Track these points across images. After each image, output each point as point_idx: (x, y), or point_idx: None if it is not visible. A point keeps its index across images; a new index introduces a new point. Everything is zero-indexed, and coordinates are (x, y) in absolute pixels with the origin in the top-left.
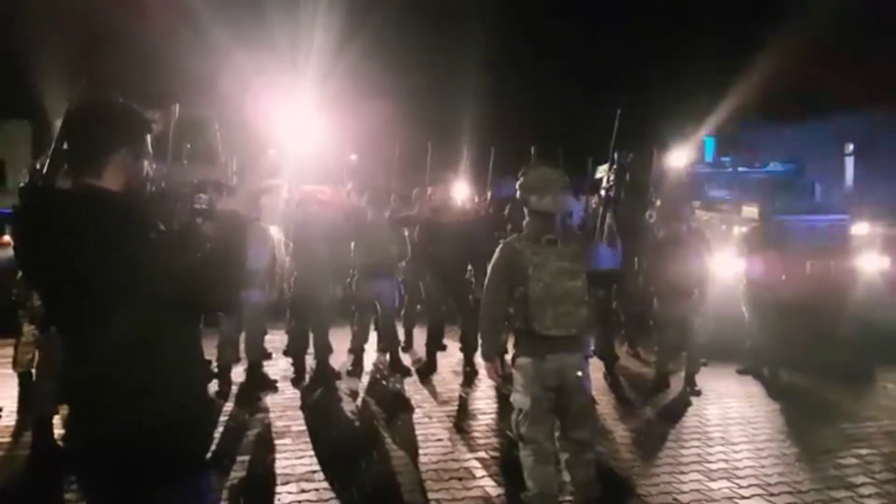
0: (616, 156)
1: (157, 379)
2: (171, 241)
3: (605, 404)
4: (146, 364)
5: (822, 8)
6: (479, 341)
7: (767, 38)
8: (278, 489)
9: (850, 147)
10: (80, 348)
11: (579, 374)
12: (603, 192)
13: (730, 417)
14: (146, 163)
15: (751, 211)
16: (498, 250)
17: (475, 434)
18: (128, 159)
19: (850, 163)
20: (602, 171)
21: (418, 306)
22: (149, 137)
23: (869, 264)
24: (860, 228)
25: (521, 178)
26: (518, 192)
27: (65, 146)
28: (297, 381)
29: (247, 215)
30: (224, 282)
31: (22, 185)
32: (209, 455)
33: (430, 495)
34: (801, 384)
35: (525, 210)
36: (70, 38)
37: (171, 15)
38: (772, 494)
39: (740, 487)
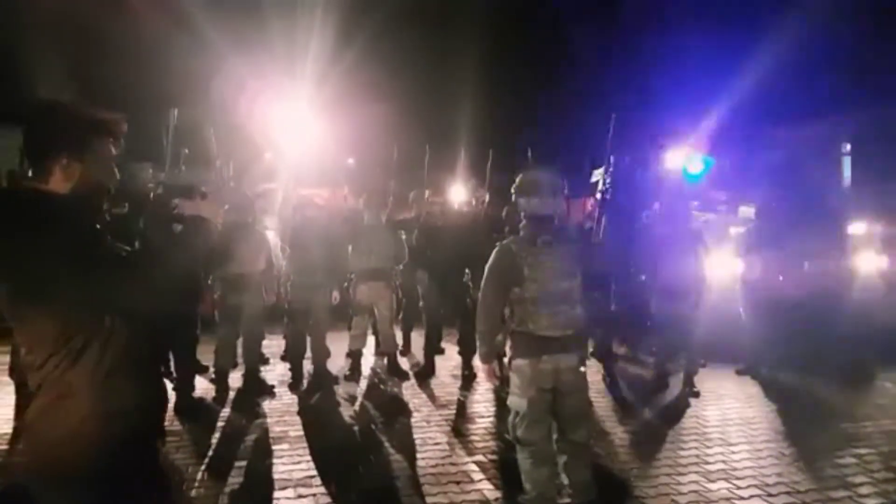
0: (612, 159)
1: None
2: (105, 249)
3: (603, 405)
4: (75, 365)
5: (818, 7)
6: (477, 344)
7: (764, 38)
8: (276, 494)
9: (847, 147)
10: (22, 346)
11: (576, 374)
12: (599, 196)
13: (728, 418)
14: (105, 166)
15: (748, 211)
16: (494, 252)
17: (473, 437)
18: (73, 163)
19: (847, 162)
20: (598, 175)
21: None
22: (109, 140)
23: (867, 264)
24: (858, 228)
25: (515, 182)
26: (512, 196)
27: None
28: (294, 386)
29: (212, 220)
30: (167, 291)
31: None
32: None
33: (429, 499)
34: (799, 384)
35: (521, 213)
36: (65, 43)
37: (167, 18)
38: (770, 495)
39: (739, 488)
